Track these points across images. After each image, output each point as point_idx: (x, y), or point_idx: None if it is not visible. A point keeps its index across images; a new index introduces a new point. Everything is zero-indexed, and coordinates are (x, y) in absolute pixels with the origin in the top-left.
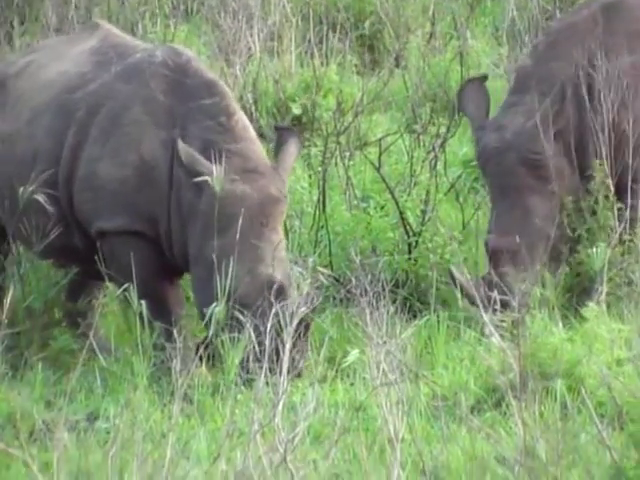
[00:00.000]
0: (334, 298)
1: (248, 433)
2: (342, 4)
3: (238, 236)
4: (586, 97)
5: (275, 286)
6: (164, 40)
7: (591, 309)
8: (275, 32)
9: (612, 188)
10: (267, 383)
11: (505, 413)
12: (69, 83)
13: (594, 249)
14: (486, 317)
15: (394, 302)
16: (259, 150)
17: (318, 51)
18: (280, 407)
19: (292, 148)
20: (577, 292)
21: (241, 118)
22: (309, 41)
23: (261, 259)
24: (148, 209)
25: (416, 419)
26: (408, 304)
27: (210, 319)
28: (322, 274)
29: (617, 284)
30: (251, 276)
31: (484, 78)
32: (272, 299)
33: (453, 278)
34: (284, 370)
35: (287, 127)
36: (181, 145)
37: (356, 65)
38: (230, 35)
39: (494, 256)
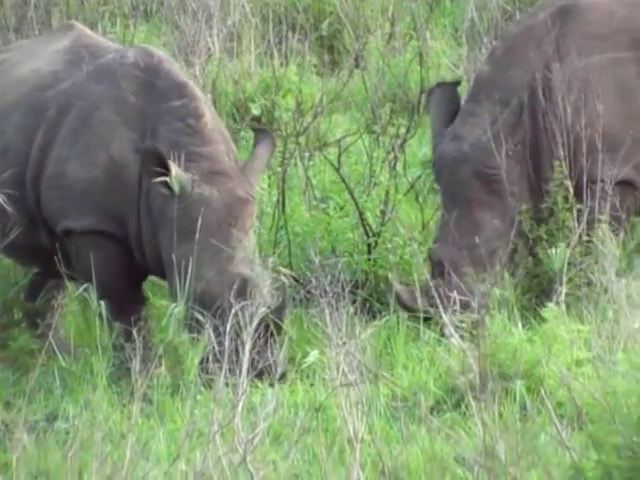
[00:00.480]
0: (294, 299)
1: (207, 433)
2: (301, 5)
3: (207, 238)
4: (542, 101)
5: (245, 283)
6: (123, 40)
7: (550, 310)
8: (234, 33)
9: (571, 189)
10: (227, 384)
11: (465, 414)
12: (41, 81)
13: (554, 250)
14: (446, 318)
15: (354, 303)
16: (228, 152)
17: (277, 52)
18: (240, 408)
19: (262, 150)
20: (536, 293)
21: (210, 120)
22: (268, 42)
23: (231, 259)
24: (117, 210)
25: (376, 420)
26: (368, 305)
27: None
28: (283, 274)
29: (576, 285)
30: (222, 276)
31: (457, 83)
32: (245, 297)
33: (390, 286)
34: (244, 371)
35: (262, 128)
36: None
37: (315, 66)
38: (189, 35)
39: (437, 265)
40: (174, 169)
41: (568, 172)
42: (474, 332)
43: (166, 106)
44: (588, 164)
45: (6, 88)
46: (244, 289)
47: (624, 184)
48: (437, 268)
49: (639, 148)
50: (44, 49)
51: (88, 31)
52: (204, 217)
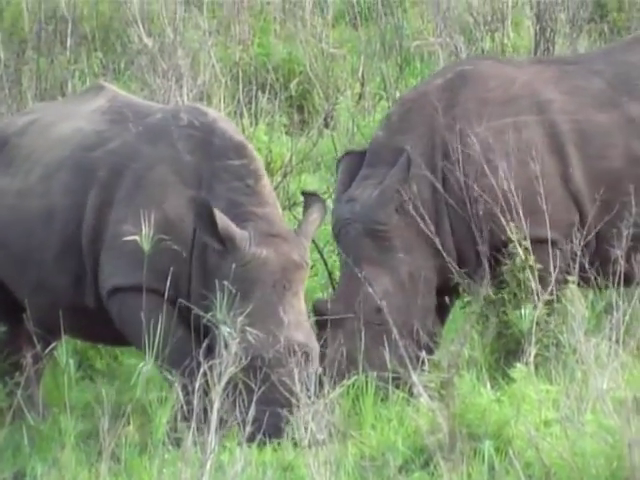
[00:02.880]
0: (263, 358)
1: None
2: (272, 65)
3: (261, 300)
4: (439, 167)
5: (298, 350)
6: None
7: (519, 370)
8: (204, 92)
9: (530, 250)
10: (195, 442)
11: (433, 474)
12: (85, 141)
13: (521, 310)
14: (415, 377)
15: (322, 362)
16: (281, 215)
17: (247, 111)
18: (208, 466)
19: (314, 215)
20: (504, 353)
21: (268, 183)
22: (238, 101)
23: (283, 323)
24: (169, 268)
25: (344, 479)
26: (336, 363)
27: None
28: (250, 333)
29: (545, 345)
30: (274, 341)
31: (364, 152)
32: (300, 362)
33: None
34: (212, 429)
35: (313, 193)
36: (215, 210)
37: (285, 125)
38: (160, 94)
39: (318, 318)
40: (241, 232)
41: (479, 234)
42: (443, 392)
43: (223, 164)
44: (528, 224)
45: (45, 149)
46: (299, 354)
47: (545, 243)
48: (317, 321)
49: (550, 208)
50: (79, 109)
51: (120, 90)
52: (259, 278)
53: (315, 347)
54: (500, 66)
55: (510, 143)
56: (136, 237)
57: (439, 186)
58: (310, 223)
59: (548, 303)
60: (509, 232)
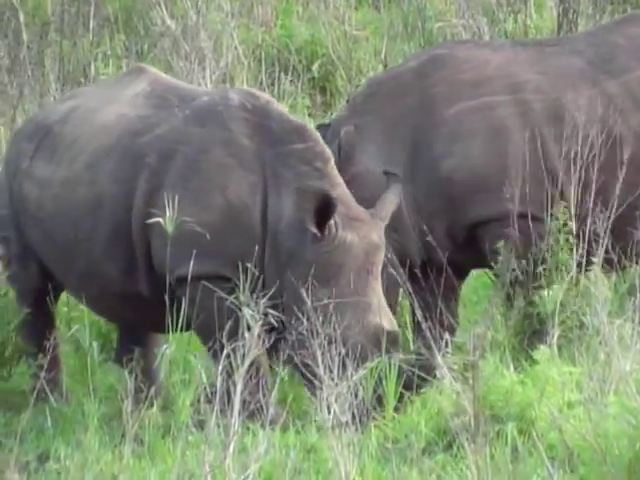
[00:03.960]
0: (285, 340)
1: (199, 475)
2: (294, 46)
3: (347, 285)
4: (403, 150)
5: (386, 335)
6: None
7: (542, 352)
8: (227, 74)
9: (574, 231)
10: (218, 425)
11: (456, 455)
12: (131, 127)
13: (546, 291)
14: (439, 359)
15: (345, 344)
16: (351, 196)
17: (270, 93)
18: (231, 449)
19: (392, 196)
20: (528, 334)
21: (334, 164)
22: (261, 83)
23: (369, 308)
24: (236, 254)
25: (367, 461)
26: (360, 346)
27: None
28: (272, 315)
29: (568, 327)
30: (361, 326)
31: (329, 125)
32: (386, 348)
33: None
34: (235, 412)
35: (394, 174)
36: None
37: (308, 107)
38: (182, 77)
39: None
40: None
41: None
42: (467, 374)
43: (287, 149)
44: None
45: (89, 136)
46: (386, 338)
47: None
48: None
49: (534, 184)
50: (121, 93)
51: (161, 73)
52: (345, 263)
53: (398, 331)
54: (475, 49)
55: (483, 122)
56: (160, 220)
57: (400, 172)
58: (387, 204)
59: (576, 284)
60: (556, 212)
